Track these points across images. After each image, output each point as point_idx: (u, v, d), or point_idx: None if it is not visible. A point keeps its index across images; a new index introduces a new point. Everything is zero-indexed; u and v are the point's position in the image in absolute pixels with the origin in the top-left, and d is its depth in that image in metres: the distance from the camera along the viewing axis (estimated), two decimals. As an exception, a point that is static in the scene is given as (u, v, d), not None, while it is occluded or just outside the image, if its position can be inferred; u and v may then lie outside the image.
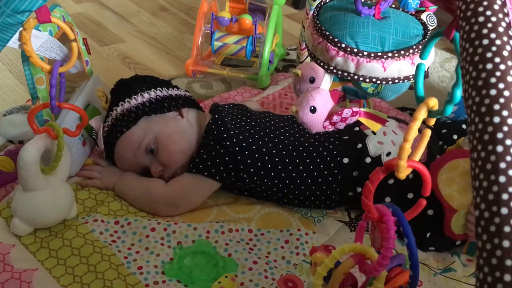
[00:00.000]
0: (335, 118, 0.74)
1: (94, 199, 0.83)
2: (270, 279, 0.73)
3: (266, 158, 0.83)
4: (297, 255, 0.77)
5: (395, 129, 0.85)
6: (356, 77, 0.70)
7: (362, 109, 0.69)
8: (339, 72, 0.71)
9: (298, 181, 0.83)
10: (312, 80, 0.69)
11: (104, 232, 0.77)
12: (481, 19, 0.39)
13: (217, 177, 0.83)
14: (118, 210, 0.81)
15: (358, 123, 0.85)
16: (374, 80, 0.70)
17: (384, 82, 0.71)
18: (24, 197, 0.72)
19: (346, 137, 0.85)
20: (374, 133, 0.84)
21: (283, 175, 0.83)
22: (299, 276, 0.74)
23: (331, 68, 0.71)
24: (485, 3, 0.39)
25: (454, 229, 0.75)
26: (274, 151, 0.84)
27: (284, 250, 0.78)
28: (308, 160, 0.83)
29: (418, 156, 0.50)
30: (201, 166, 0.83)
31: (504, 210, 0.33)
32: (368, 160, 0.82)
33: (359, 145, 0.83)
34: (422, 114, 0.48)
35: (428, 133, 0.50)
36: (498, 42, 0.37)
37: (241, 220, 0.82)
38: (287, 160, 0.83)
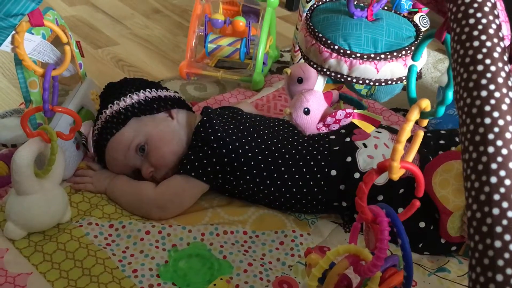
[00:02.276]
0: (329, 119, 0.74)
1: (88, 203, 0.83)
2: (265, 281, 0.73)
3: (252, 163, 0.83)
4: (292, 257, 0.77)
5: (387, 141, 0.83)
6: (349, 78, 0.70)
7: (355, 111, 0.69)
8: (333, 74, 0.71)
9: (283, 189, 0.83)
10: (299, 80, 0.69)
11: (99, 235, 0.77)
12: (471, 21, 0.39)
13: (204, 178, 0.83)
14: (112, 213, 0.81)
15: (349, 133, 0.84)
16: (367, 81, 0.70)
17: (377, 84, 0.71)
18: (18, 201, 0.72)
19: (336, 148, 0.82)
20: (365, 145, 0.81)
21: (268, 181, 0.83)
22: (294, 278, 0.74)
23: (325, 70, 0.71)
24: (475, 5, 0.39)
25: (450, 231, 0.75)
26: (260, 157, 0.83)
27: (279, 252, 0.78)
28: (293, 169, 0.82)
29: (411, 157, 0.50)
30: (188, 167, 0.82)
31: (496, 211, 0.34)
32: (357, 175, 0.79)
33: (349, 158, 0.80)
34: (414, 115, 0.48)
35: (420, 134, 0.50)
36: (488, 43, 0.38)
37: (236, 222, 0.82)
38: (272, 167, 0.82)
